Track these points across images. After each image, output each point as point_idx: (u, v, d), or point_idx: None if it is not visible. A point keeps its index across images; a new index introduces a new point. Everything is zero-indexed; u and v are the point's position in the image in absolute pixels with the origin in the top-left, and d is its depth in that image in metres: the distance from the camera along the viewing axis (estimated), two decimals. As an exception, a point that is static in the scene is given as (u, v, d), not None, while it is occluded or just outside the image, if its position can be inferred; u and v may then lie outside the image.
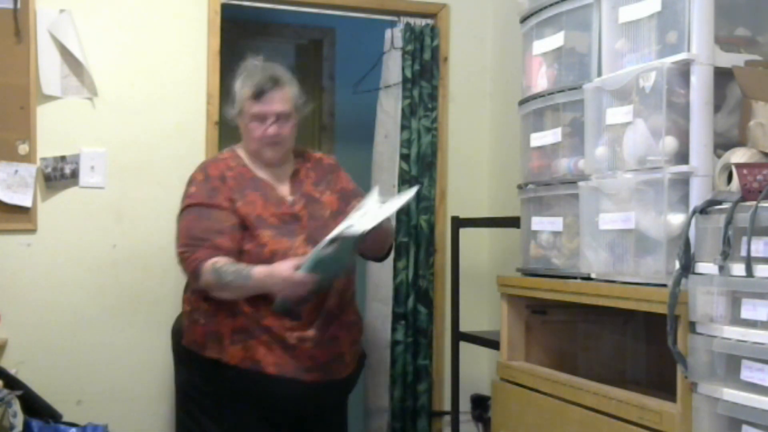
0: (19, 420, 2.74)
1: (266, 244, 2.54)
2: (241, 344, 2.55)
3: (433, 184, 3.82)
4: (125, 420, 3.31)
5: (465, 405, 3.59)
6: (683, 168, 2.00)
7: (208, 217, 2.57)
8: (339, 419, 2.87)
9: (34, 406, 2.98)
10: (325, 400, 2.69)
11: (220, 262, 2.50)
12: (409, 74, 3.77)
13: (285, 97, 2.65)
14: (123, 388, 3.35)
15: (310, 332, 2.55)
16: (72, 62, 3.29)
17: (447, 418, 3.74)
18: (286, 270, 2.39)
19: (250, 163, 2.70)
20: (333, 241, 2.33)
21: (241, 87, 2.66)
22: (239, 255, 2.54)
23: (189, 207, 2.62)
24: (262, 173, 2.69)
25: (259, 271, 2.45)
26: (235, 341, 2.55)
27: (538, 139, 2.55)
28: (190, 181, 2.69)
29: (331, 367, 2.62)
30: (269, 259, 2.51)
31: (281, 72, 2.70)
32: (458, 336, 3.38)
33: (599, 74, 2.31)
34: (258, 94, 2.61)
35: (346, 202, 2.70)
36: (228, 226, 2.55)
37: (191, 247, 2.55)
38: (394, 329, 3.75)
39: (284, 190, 2.69)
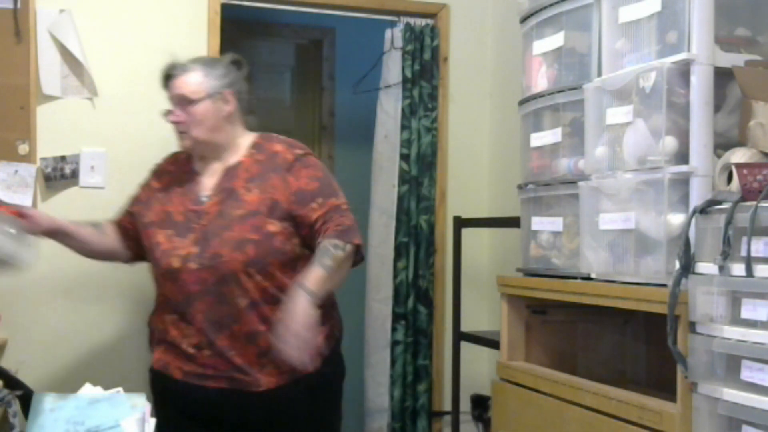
0: (19, 420, 2.73)
1: (160, 244, 2.53)
2: (160, 347, 2.59)
3: (433, 184, 3.82)
4: (125, 420, 3.31)
5: (465, 405, 3.59)
6: (683, 168, 2.00)
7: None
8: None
9: (34, 406, 2.97)
10: (244, 411, 2.51)
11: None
12: (409, 74, 3.76)
13: (188, 80, 2.50)
14: (123, 388, 3.34)
15: (202, 340, 2.46)
16: (72, 62, 3.29)
17: (447, 418, 3.74)
18: None
19: (196, 155, 2.63)
20: None
21: None
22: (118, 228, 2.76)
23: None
24: (198, 165, 2.63)
25: None
26: (156, 345, 2.61)
27: (538, 139, 2.55)
28: None
29: (235, 378, 2.46)
30: (160, 258, 2.52)
31: (198, 59, 2.63)
32: (459, 336, 3.38)
33: (599, 74, 2.31)
34: (164, 81, 2.57)
35: (284, 206, 2.46)
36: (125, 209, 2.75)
37: None
38: (394, 329, 3.75)
39: (209, 183, 2.56)
